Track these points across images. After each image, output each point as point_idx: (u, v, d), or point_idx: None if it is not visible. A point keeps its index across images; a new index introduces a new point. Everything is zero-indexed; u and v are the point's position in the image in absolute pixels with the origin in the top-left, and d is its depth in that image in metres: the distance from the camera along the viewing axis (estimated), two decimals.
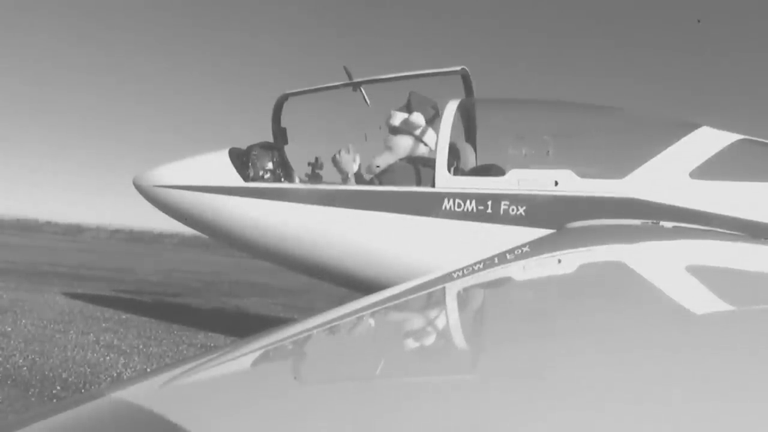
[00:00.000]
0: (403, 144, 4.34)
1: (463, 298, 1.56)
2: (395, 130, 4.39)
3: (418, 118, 4.32)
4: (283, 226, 4.26)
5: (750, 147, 3.96)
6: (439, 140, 4.04)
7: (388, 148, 4.37)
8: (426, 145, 4.34)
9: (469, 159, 4.45)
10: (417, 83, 4.65)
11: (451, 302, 1.49)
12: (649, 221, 3.55)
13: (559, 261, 2.27)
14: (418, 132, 4.35)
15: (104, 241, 39.20)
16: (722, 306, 1.35)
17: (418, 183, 4.07)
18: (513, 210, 3.75)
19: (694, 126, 3.95)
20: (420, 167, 4.13)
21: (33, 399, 3.25)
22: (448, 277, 1.72)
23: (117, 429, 0.62)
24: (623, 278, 1.83)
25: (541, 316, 1.19)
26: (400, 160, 4.29)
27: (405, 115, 4.37)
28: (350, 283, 4.35)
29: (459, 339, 1.04)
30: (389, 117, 4.45)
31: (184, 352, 4.69)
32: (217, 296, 9.31)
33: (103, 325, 5.58)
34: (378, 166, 4.34)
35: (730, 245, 3.02)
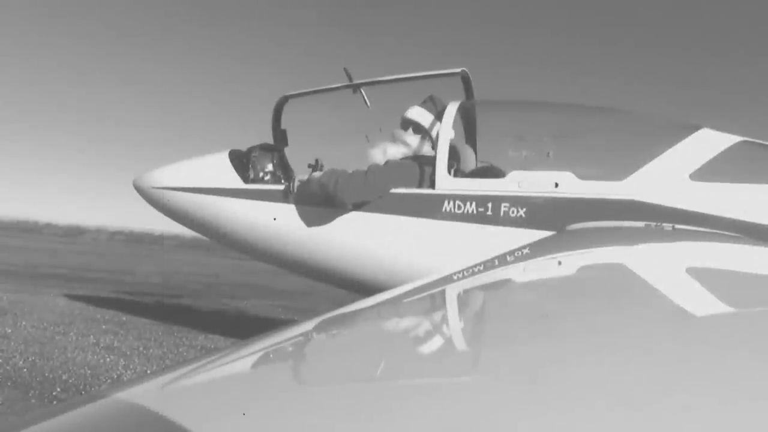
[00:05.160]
0: (422, 147, 4.29)
1: (464, 300, 1.56)
2: (418, 129, 4.31)
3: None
4: (284, 228, 4.26)
5: (750, 149, 3.95)
6: (439, 142, 4.03)
7: (404, 143, 4.29)
8: (433, 148, 4.31)
9: (469, 161, 4.44)
10: (419, 84, 4.65)
11: (452, 304, 1.49)
12: (650, 223, 3.54)
13: (560, 263, 2.27)
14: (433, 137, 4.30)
15: (104, 242, 39.22)
16: (723, 308, 1.35)
17: (419, 184, 4.05)
18: (513, 212, 3.75)
19: (695, 128, 3.94)
20: (423, 168, 4.11)
21: (33, 401, 3.25)
22: (448, 279, 1.72)
23: (119, 429, 0.62)
24: (623, 280, 1.83)
25: (542, 318, 1.18)
26: (406, 158, 4.24)
27: (432, 118, 4.28)
28: (350, 285, 4.34)
29: (459, 341, 1.04)
30: (410, 111, 4.34)
31: (185, 353, 4.68)
32: (218, 298, 9.31)
33: (104, 326, 5.57)
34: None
35: (731, 247, 3.02)
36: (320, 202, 4.09)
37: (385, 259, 4.01)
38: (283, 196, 4.24)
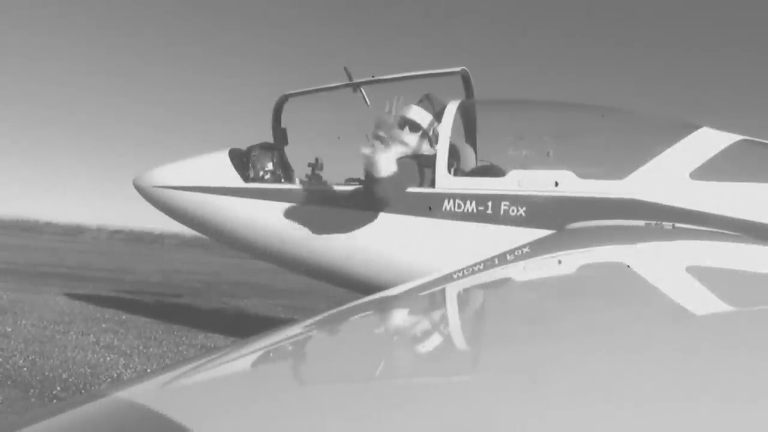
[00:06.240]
0: (422, 146, 4.23)
1: (464, 299, 1.56)
2: (415, 127, 4.22)
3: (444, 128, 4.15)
4: (283, 227, 4.26)
5: (750, 148, 3.95)
6: (439, 141, 4.03)
7: (402, 142, 4.22)
8: (432, 147, 4.26)
9: (469, 160, 4.43)
10: (420, 83, 4.64)
11: (452, 303, 1.49)
12: (650, 222, 3.55)
13: (560, 262, 2.27)
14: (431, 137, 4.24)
15: (104, 241, 39.25)
16: (723, 307, 1.35)
17: (421, 182, 4.05)
18: (513, 211, 3.75)
19: (695, 127, 3.94)
20: (422, 167, 4.10)
21: (33, 400, 3.25)
22: (448, 278, 1.72)
23: (119, 428, 0.62)
24: (623, 279, 1.83)
25: (542, 317, 1.19)
26: (405, 157, 4.21)
27: (430, 117, 4.23)
28: (351, 284, 4.34)
29: (459, 340, 1.04)
30: (406, 109, 4.25)
31: (185, 352, 4.69)
32: (218, 297, 9.31)
33: (103, 325, 5.58)
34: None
35: (731, 246, 3.02)
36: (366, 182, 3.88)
37: (385, 257, 4.01)
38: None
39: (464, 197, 3.84)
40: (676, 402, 0.63)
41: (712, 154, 3.77)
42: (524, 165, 3.98)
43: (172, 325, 5.77)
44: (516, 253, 2.45)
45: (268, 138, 4.84)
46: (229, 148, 4.61)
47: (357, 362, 0.85)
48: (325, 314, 1.21)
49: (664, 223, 3.53)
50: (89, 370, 3.87)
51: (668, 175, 3.74)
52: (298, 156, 4.74)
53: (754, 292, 1.55)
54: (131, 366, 4.09)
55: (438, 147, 4.00)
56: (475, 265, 1.92)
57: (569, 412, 0.60)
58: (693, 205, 3.61)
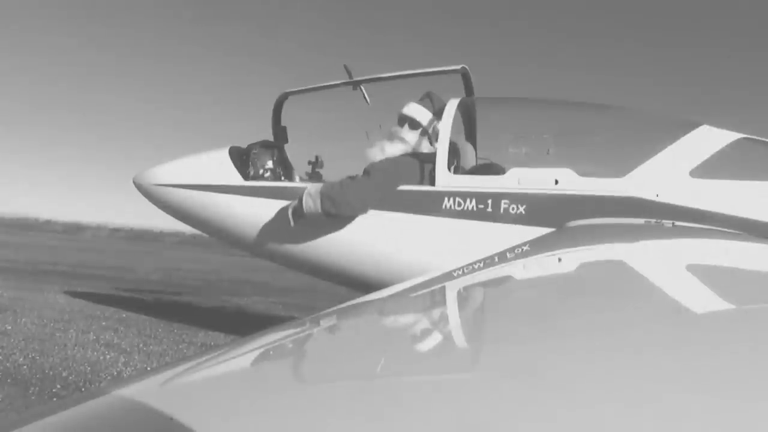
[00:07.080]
0: (421, 144, 4.23)
1: (464, 297, 1.56)
2: (414, 125, 4.23)
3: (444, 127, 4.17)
4: (283, 225, 4.25)
5: (750, 146, 3.96)
6: (439, 139, 4.02)
7: (401, 139, 4.22)
8: (431, 144, 4.27)
9: (470, 158, 4.43)
10: (420, 81, 4.64)
11: (452, 301, 1.49)
12: (650, 220, 3.55)
13: (560, 260, 2.27)
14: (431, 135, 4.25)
15: (104, 239, 39.30)
16: (722, 305, 1.35)
17: (421, 180, 4.05)
18: (513, 209, 3.75)
19: (695, 125, 3.95)
20: (422, 164, 4.10)
21: (33, 397, 3.25)
22: (448, 276, 1.72)
23: (119, 426, 0.62)
24: (623, 277, 1.83)
25: (542, 315, 1.19)
26: (405, 155, 4.21)
27: (430, 115, 4.26)
28: (350, 282, 4.34)
29: (459, 338, 1.04)
30: (407, 108, 4.29)
31: (185, 350, 4.69)
32: (218, 295, 9.31)
33: (103, 323, 5.57)
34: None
35: (730, 244, 3.02)
36: (335, 218, 4.01)
37: (385, 256, 4.01)
38: (295, 216, 4.07)
39: (464, 195, 3.84)
40: (676, 401, 0.63)
41: (712, 152, 3.77)
42: (524, 163, 3.98)
43: (172, 323, 5.76)
44: (516, 251, 2.45)
45: (269, 136, 4.84)
46: (229, 146, 4.61)
47: (356, 360, 0.85)
48: (325, 312, 1.21)
49: (663, 221, 3.53)
50: (89, 368, 3.87)
51: (668, 173, 3.74)
52: (298, 154, 4.74)
53: (754, 290, 1.55)
54: (131, 364, 4.08)
55: (438, 145, 4.00)
56: (475, 263, 1.92)
57: (569, 411, 0.60)
58: (693, 203, 3.61)
